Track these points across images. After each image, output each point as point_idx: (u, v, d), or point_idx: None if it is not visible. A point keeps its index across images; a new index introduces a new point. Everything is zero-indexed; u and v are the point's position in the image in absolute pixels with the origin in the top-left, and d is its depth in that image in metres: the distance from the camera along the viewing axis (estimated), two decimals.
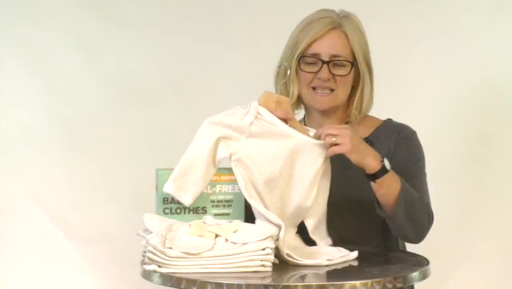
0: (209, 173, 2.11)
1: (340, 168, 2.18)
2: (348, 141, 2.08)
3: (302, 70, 2.34)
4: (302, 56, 2.33)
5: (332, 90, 2.33)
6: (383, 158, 2.14)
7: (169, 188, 2.09)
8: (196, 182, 2.10)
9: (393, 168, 2.17)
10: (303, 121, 2.45)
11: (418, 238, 2.28)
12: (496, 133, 3.21)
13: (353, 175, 2.18)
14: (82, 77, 3.23)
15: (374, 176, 2.13)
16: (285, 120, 2.15)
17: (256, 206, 2.08)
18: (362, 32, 2.36)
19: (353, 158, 2.10)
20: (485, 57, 3.20)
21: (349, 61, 2.32)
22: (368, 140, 2.33)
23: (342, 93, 2.35)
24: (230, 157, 2.13)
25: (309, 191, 2.13)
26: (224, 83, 3.25)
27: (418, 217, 2.23)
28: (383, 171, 2.12)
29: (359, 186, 2.24)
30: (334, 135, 2.09)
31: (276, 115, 2.14)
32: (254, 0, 3.28)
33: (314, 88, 2.34)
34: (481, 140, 3.22)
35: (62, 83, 3.22)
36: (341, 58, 2.31)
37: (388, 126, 2.40)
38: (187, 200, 2.10)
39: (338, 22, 2.33)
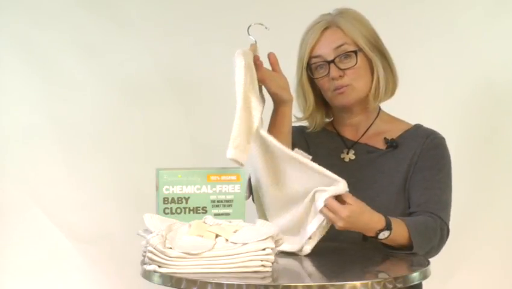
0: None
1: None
2: (343, 219, 2.06)
3: (314, 78, 2.36)
4: (308, 65, 2.35)
5: (348, 85, 2.33)
6: (386, 222, 2.11)
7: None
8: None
9: (415, 174, 2.24)
10: (332, 124, 2.46)
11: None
12: (496, 134, 3.21)
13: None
14: (82, 77, 3.22)
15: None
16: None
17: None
18: (360, 20, 2.37)
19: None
20: (486, 57, 3.19)
21: (351, 51, 2.32)
22: (394, 142, 2.35)
23: (359, 84, 2.34)
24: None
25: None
26: (224, 83, 3.25)
27: (432, 246, 2.26)
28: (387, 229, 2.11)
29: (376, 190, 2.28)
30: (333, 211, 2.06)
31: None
32: (254, 1, 3.28)
33: (334, 90, 2.34)
34: (481, 141, 3.22)
35: (63, 83, 3.21)
36: (343, 50, 2.32)
37: (418, 129, 2.40)
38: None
39: (332, 21, 2.35)
